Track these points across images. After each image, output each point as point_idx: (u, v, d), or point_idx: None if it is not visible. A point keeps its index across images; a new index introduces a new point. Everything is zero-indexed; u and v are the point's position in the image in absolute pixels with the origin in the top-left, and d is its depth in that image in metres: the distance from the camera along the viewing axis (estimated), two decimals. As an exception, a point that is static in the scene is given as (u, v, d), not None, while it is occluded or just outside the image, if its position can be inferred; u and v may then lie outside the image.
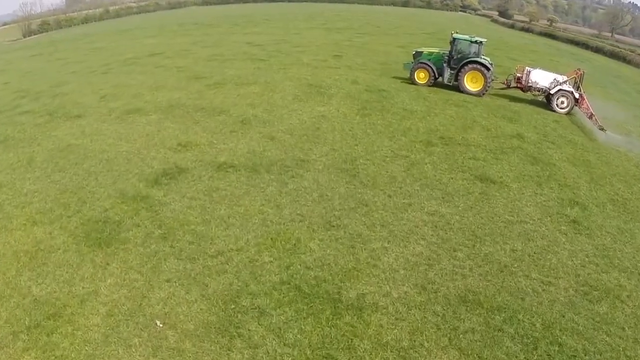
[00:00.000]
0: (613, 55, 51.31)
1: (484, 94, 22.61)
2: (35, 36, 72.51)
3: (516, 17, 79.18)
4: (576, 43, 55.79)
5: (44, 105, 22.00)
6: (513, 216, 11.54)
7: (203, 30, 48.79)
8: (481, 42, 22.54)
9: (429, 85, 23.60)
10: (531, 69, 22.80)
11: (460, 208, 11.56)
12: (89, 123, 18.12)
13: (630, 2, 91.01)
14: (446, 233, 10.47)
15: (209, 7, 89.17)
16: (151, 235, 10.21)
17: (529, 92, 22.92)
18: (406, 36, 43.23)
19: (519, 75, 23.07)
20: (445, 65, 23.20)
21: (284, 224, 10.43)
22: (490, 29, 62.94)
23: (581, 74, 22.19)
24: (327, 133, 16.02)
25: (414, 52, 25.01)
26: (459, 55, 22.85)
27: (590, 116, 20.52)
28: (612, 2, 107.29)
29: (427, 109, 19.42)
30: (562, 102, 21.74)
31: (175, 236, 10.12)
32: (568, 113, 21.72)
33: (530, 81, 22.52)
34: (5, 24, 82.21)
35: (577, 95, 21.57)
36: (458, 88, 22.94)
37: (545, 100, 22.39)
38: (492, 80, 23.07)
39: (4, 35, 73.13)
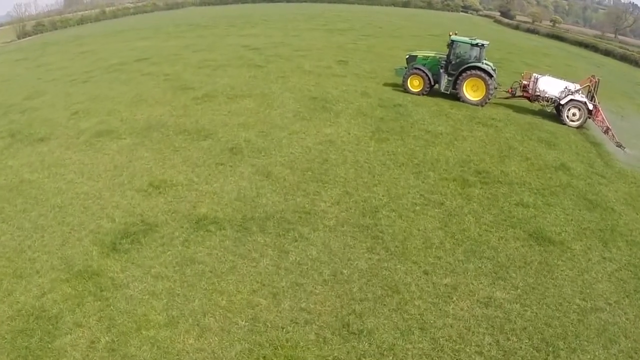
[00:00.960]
0: (623, 58, 47.94)
1: (485, 103, 19.61)
2: (30, 38, 68.69)
3: (518, 17, 75.72)
4: (585, 45, 52.38)
5: (10, 122, 18.65)
6: (585, 300, 8.34)
7: (198, 31, 45.23)
8: (482, 45, 19.47)
9: (424, 94, 20.51)
10: (539, 76, 19.65)
11: (519, 290, 8.32)
12: (51, 150, 14.80)
13: (630, 2, 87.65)
14: (508, 339, 7.23)
15: (207, 7, 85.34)
16: (95, 346, 6.94)
17: (536, 102, 19.77)
18: (412, 39, 39.78)
19: (525, 82, 19.83)
20: (442, 71, 20.13)
21: (283, 328, 7.14)
22: (495, 30, 59.49)
23: (596, 82, 18.99)
24: (337, 167, 12.74)
25: (407, 56, 21.78)
26: (457, 60, 19.81)
27: (606, 130, 17.35)
28: (612, 2, 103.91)
29: (453, 130, 16.15)
30: (574, 114, 18.67)
31: (128, 349, 6.84)
32: (580, 127, 18.62)
33: (537, 90, 19.33)
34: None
35: (590, 107, 18.38)
36: (456, 97, 19.87)
37: (555, 111, 19.27)
38: (496, 88, 19.99)
39: (-2, 36, 69.34)
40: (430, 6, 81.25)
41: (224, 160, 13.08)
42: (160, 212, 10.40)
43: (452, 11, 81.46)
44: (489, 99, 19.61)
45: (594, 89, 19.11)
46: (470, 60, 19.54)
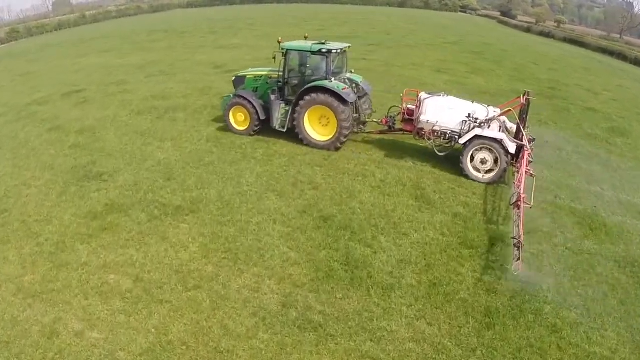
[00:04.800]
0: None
1: (339, 146, 11.30)
2: (1, 46, 56.60)
3: (520, 18, 64.60)
4: (610, 53, 41.65)
5: None
6: None
7: (170, 40, 33.84)
8: (330, 51, 10.86)
9: (253, 134, 12.25)
10: (428, 96, 10.78)
11: None
12: None
13: (624, 0, 76.84)
14: None
15: (193, 9, 72.82)
16: None
17: (422, 139, 11.00)
18: (430, 50, 28.88)
19: (409, 107, 11.22)
20: (274, 97, 11.66)
21: None
22: (508, 34, 48.50)
23: (523, 104, 9.76)
24: None
25: (233, 78, 13.19)
26: (297, 79, 11.57)
27: (516, 203, 7.69)
28: (605, 0, 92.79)
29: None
30: (484, 161, 9.98)
31: None
32: (495, 182, 9.96)
33: (420, 119, 10.53)
34: (-29, 30, 65.39)
35: (512, 148, 9.66)
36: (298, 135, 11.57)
37: None
38: (361, 121, 11.83)
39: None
40: (427, 6, 69.45)
41: None
42: None
43: (450, 11, 69.89)
44: (343, 139, 11.14)
45: (522, 116, 9.84)
46: (314, 77, 11.15)
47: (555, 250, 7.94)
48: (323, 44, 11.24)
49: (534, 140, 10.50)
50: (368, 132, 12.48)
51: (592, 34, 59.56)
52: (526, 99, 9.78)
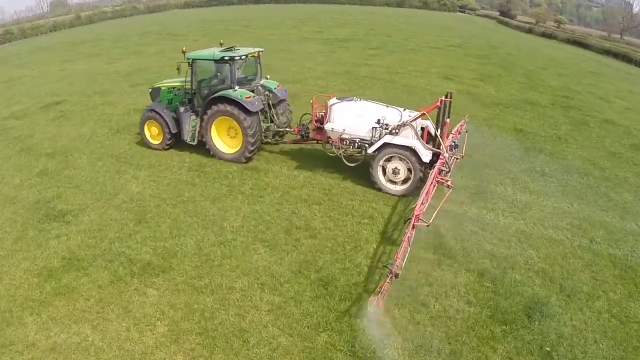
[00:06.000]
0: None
1: (247, 158, 10.48)
2: (-6, 47, 54.61)
3: (519, 17, 62.81)
4: (615, 55, 40.10)
5: None
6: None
7: (163, 44, 32.11)
8: (233, 58, 9.94)
9: (166, 148, 11.39)
10: (337, 101, 9.69)
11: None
12: None
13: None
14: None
15: (190, 10, 70.85)
16: None
17: (331, 148, 9.80)
18: (435, 54, 27.21)
19: (321, 113, 10.02)
20: (182, 108, 10.93)
21: None
22: (508, 34, 46.78)
23: (438, 106, 8.61)
24: None
25: (150, 90, 12.25)
26: (206, 89, 10.71)
27: (413, 221, 6.18)
28: (604, 0, 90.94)
29: None
30: (396, 171, 8.94)
31: None
32: (408, 194, 8.91)
33: (325, 127, 9.61)
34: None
35: (427, 156, 8.62)
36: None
37: None
38: (273, 132, 10.92)
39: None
40: (426, 6, 67.55)
41: None
42: None
43: (449, 11, 68.04)
44: (250, 151, 10.33)
45: (442, 118, 8.62)
46: (220, 87, 10.32)
47: (599, 319, 6.42)
48: (231, 49, 10.39)
49: (456, 147, 9.27)
50: (282, 142, 11.46)
51: (593, 35, 57.99)
52: (442, 100, 8.48)
